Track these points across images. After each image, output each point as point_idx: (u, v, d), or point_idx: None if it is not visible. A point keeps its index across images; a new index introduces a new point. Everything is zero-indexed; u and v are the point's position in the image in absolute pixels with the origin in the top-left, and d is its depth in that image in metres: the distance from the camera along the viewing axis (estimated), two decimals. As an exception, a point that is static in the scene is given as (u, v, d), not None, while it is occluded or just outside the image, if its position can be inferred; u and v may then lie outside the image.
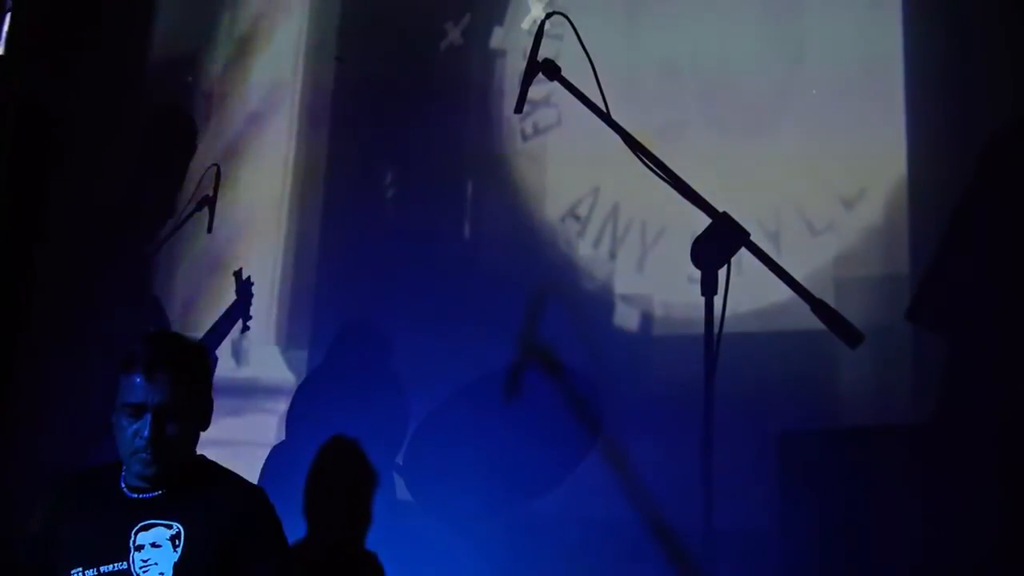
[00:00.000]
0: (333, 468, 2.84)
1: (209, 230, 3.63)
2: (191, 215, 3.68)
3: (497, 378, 2.58)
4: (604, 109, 2.23)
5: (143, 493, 2.26)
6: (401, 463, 2.76)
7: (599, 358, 2.48)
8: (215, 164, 3.63)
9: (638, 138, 2.15)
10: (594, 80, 2.22)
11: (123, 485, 2.28)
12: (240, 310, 3.22)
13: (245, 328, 3.21)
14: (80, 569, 2.20)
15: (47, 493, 2.40)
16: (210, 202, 3.72)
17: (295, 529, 2.46)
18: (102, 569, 2.20)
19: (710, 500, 1.93)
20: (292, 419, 3.11)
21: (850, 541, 2.09)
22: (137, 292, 3.74)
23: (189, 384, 2.25)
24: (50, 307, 3.81)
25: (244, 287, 3.25)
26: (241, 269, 3.28)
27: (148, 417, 2.17)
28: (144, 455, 2.19)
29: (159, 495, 2.27)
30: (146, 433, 2.17)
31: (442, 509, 2.68)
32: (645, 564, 2.31)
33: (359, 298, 2.97)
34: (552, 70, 2.33)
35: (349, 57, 3.25)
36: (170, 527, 2.24)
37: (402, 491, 2.75)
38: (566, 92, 2.25)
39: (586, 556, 2.40)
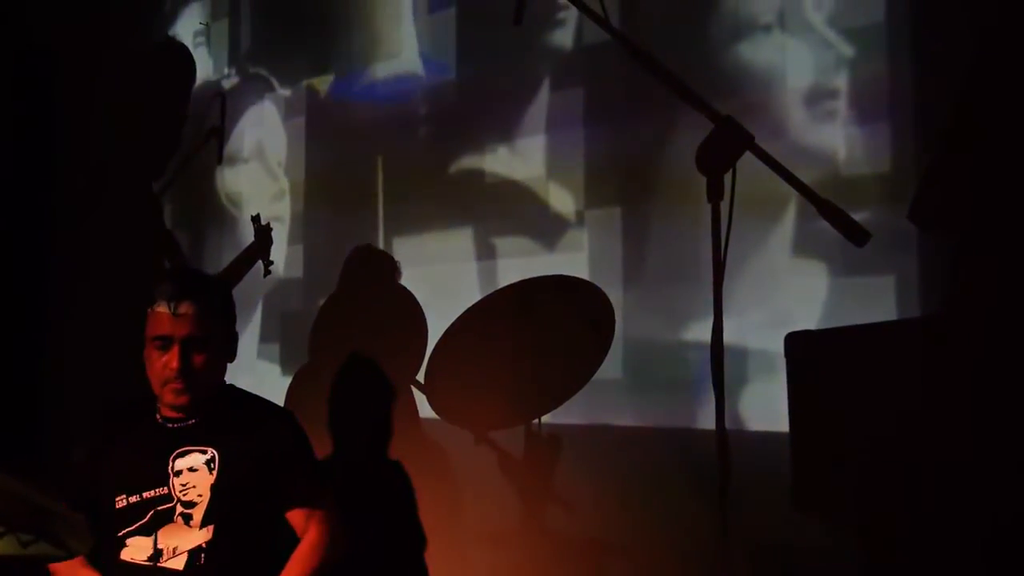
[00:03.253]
0: (356, 388, 2.94)
1: (219, 161, 3.66)
2: (200, 147, 3.71)
3: (510, 295, 2.64)
4: (603, 15, 2.23)
5: (177, 422, 2.36)
6: (422, 380, 2.84)
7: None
8: (220, 93, 3.63)
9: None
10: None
11: (158, 415, 2.39)
12: (259, 253, 3.22)
13: (267, 272, 3.21)
14: (124, 495, 2.32)
15: (88, 426, 2.51)
16: (218, 132, 3.75)
17: (321, 447, 2.56)
18: (144, 495, 2.32)
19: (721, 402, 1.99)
20: (314, 343, 3.19)
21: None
22: (151, 227, 3.79)
23: (213, 316, 2.33)
24: (72, 243, 3.87)
25: (263, 231, 3.21)
26: (259, 214, 3.24)
27: (176, 349, 2.26)
28: (174, 384, 2.28)
29: (193, 423, 2.36)
30: (175, 364, 2.25)
31: (464, 421, 2.78)
32: (657, 469, 2.40)
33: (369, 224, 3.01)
34: None
35: None
36: (205, 452, 2.34)
37: (425, 408, 2.84)
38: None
39: (601, 462, 2.50)
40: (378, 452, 2.89)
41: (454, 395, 2.80)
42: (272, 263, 3.18)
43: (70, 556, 2.04)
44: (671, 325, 2.37)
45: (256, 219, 3.19)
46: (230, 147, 3.55)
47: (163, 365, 2.29)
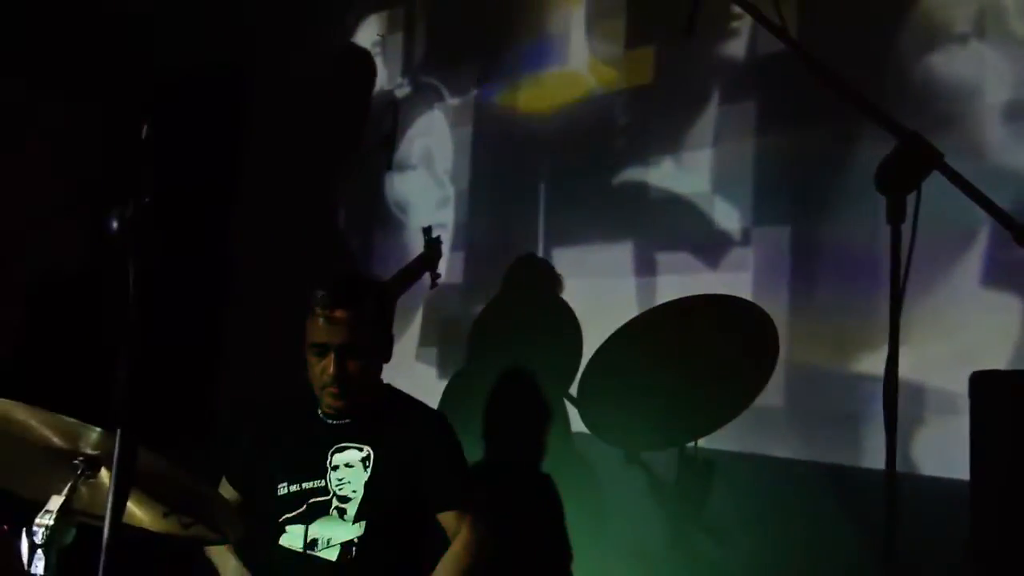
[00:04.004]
0: (510, 397, 2.95)
1: (388, 167, 3.78)
2: (371, 153, 3.85)
3: (669, 312, 2.57)
4: (780, 24, 2.15)
5: (336, 419, 2.44)
6: (575, 394, 2.81)
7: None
8: (392, 102, 3.74)
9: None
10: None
11: (319, 412, 2.47)
12: (428, 265, 3.22)
13: (434, 284, 3.26)
14: (285, 484, 2.42)
15: (254, 416, 2.64)
16: (389, 140, 3.88)
17: (472, 451, 2.57)
18: (303, 485, 2.41)
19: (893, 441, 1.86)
20: (471, 348, 3.23)
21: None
22: (325, 229, 3.96)
23: (368, 322, 2.39)
24: (253, 247, 4.11)
25: (433, 244, 3.24)
26: (431, 227, 3.27)
27: (332, 356, 2.33)
28: (331, 389, 2.36)
29: (351, 421, 2.44)
30: (331, 370, 2.33)
31: (613, 439, 2.72)
32: (821, 501, 2.27)
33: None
34: None
35: None
36: (361, 449, 2.41)
37: (576, 423, 2.80)
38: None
39: (757, 493, 2.39)
40: (528, 463, 2.89)
41: (607, 412, 2.76)
42: (439, 276, 3.22)
43: (224, 541, 2.14)
44: (840, 354, 2.23)
45: (427, 231, 3.24)
46: (399, 154, 3.66)
47: (321, 370, 2.37)
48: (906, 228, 1.86)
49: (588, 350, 2.78)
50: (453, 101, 3.36)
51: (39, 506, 1.71)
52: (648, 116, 2.64)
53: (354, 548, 2.36)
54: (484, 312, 3.18)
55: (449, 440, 2.47)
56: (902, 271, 1.85)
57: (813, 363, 2.32)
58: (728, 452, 2.44)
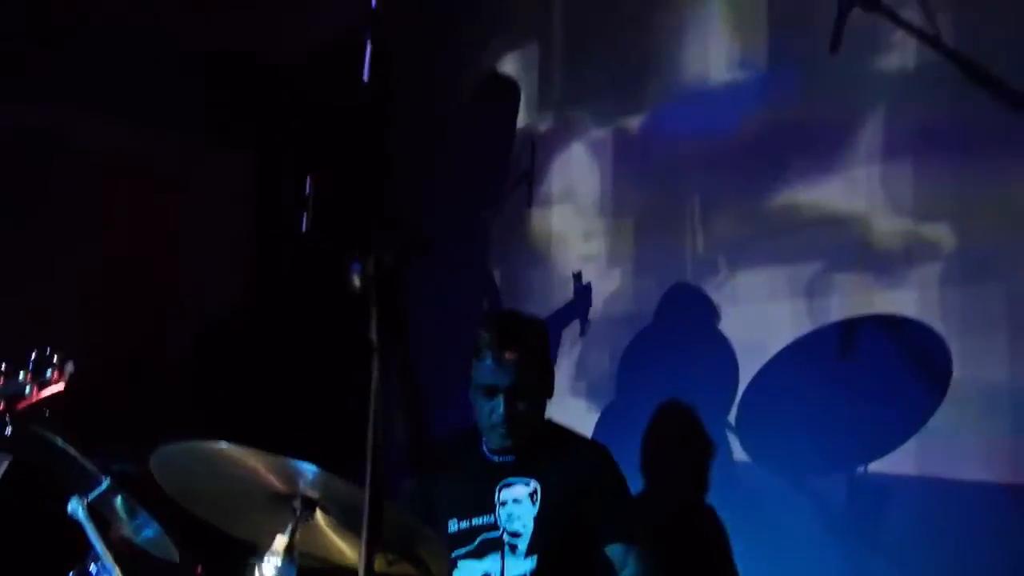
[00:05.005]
0: (668, 428, 2.95)
1: (528, 204, 3.86)
2: (512, 190, 3.93)
3: (830, 335, 2.53)
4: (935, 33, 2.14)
5: (502, 456, 2.51)
6: (734, 422, 2.79)
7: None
8: (530, 137, 3.81)
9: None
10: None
11: (484, 449, 2.55)
12: (577, 313, 3.26)
13: (583, 332, 3.28)
14: (455, 520, 2.50)
15: (421, 456, 2.74)
16: (528, 176, 3.95)
17: (632, 484, 2.59)
18: (474, 521, 2.49)
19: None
20: (622, 380, 3.25)
21: None
22: (473, 265, 4.06)
23: (534, 362, 2.45)
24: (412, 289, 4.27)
25: (583, 291, 3.27)
26: (580, 272, 3.30)
27: (501, 397, 2.40)
28: (501, 430, 2.43)
29: (516, 457, 2.51)
30: (501, 410, 2.40)
31: (778, 466, 2.69)
32: (999, 528, 2.18)
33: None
34: (871, 2, 2.26)
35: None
36: (528, 484, 2.47)
37: (738, 451, 2.78)
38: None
39: (931, 519, 2.31)
40: (691, 494, 2.88)
41: (768, 438, 2.73)
42: (589, 323, 3.25)
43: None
44: (1017, 371, 2.15)
45: (577, 277, 3.28)
46: (542, 189, 3.73)
47: (490, 411, 2.45)
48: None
49: (745, 377, 2.77)
50: (598, 133, 3.40)
51: (236, 544, 1.84)
52: (801, 136, 2.61)
53: (529, 584, 2.42)
54: (635, 342, 3.19)
55: (613, 473, 2.51)
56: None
57: (986, 379, 2.23)
58: (902, 476, 2.36)
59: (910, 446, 2.34)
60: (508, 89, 3.91)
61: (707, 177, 2.88)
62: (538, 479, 2.45)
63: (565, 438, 2.56)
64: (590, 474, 2.47)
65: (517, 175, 3.85)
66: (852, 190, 2.47)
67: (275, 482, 1.62)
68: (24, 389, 2.08)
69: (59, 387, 2.11)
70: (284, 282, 5.06)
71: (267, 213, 5.31)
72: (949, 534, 2.25)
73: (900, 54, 2.36)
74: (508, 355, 2.40)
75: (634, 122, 3.24)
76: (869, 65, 2.44)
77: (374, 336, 1.11)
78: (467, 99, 4.15)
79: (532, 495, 2.47)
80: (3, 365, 2.12)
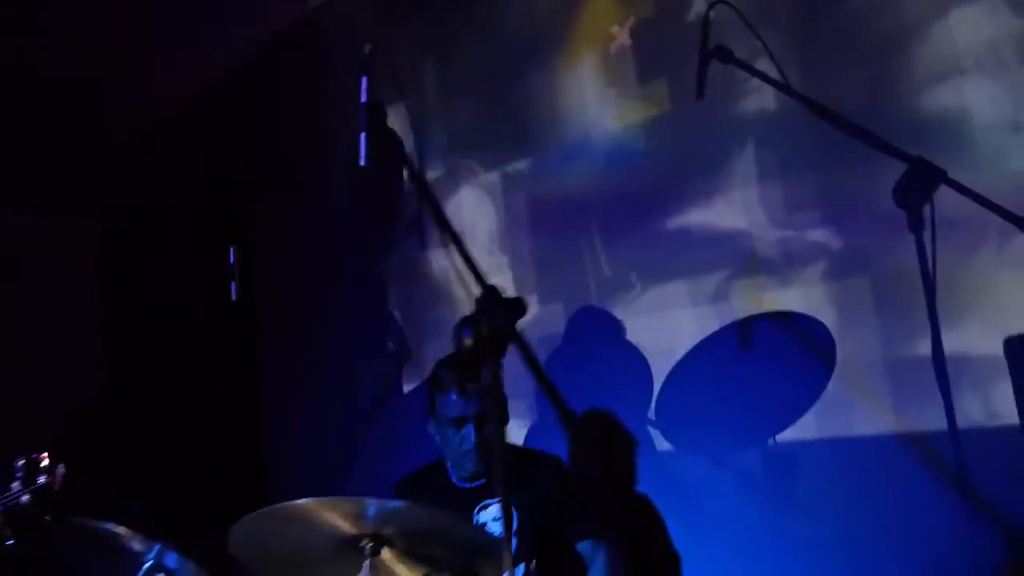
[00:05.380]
0: (594, 433, 3.31)
1: (422, 247, 4.12)
2: (406, 232, 4.17)
3: (730, 333, 2.98)
4: (783, 81, 2.56)
5: (472, 482, 2.78)
6: (654, 418, 3.20)
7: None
8: (420, 181, 4.06)
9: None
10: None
11: (453, 479, 2.81)
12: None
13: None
14: (444, 549, 2.75)
15: (393, 494, 2.94)
16: (419, 221, 4.21)
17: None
18: (460, 547, 2.74)
19: (950, 403, 2.28)
20: (542, 397, 3.57)
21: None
22: (371, 308, 4.27)
23: (494, 391, 2.74)
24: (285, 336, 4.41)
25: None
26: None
27: (470, 427, 2.67)
28: (472, 456, 2.70)
29: (484, 481, 2.78)
30: (472, 439, 2.67)
31: (699, 449, 3.11)
32: (891, 470, 2.67)
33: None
34: (725, 55, 2.61)
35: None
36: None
37: (660, 442, 3.19)
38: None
39: (835, 474, 2.77)
40: (625, 487, 3.26)
41: (686, 427, 3.15)
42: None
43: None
44: (888, 342, 2.66)
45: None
46: (434, 233, 4.01)
47: (460, 440, 2.70)
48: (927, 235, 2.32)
49: (660, 377, 3.17)
50: (487, 176, 3.73)
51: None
52: (682, 170, 3.05)
53: (524, 584, 2.70)
54: (550, 361, 3.53)
55: (571, 481, 2.83)
56: (930, 268, 2.31)
57: (864, 353, 2.72)
58: (805, 441, 2.84)
59: (810, 416, 2.82)
60: (390, 141, 4.17)
61: (603, 208, 3.28)
62: (513, 497, 2.73)
63: (526, 457, 2.86)
64: (554, 485, 2.78)
65: (407, 222, 4.12)
66: (734, 211, 2.93)
67: (345, 526, 1.82)
68: (22, 498, 2.13)
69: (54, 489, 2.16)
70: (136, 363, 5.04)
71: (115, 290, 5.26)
72: (852, 484, 2.73)
73: (759, 97, 2.85)
74: (471, 387, 2.67)
75: (521, 165, 3.60)
76: (734, 107, 2.92)
77: (485, 382, 1.39)
78: (346, 155, 4.38)
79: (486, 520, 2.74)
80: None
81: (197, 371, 4.75)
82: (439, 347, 3.81)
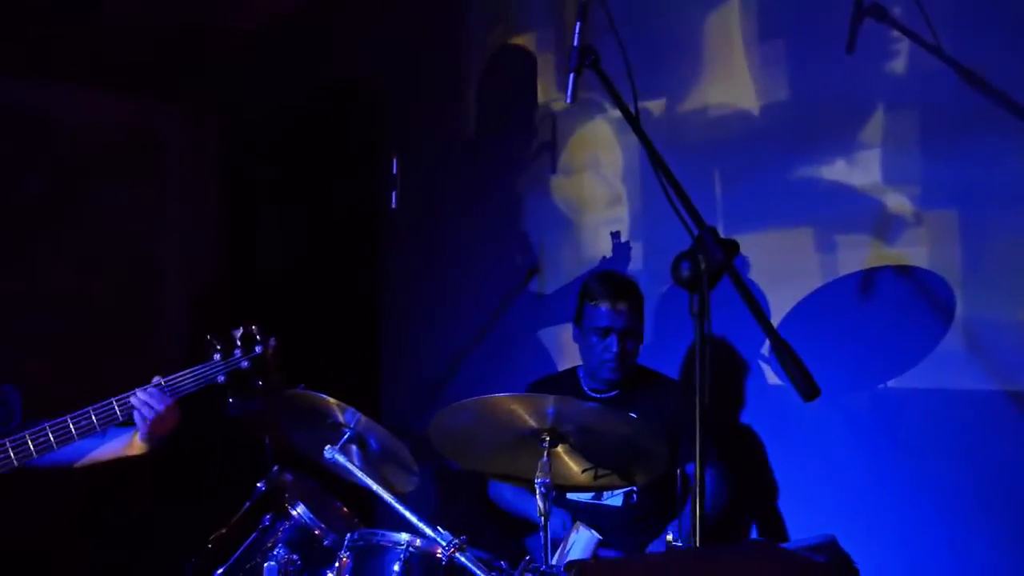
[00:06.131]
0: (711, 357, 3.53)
1: (553, 171, 4.31)
2: (535, 157, 4.36)
3: (854, 280, 3.16)
4: (634, 113, 2.36)
5: (602, 393, 3.05)
6: (767, 353, 3.40)
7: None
8: (550, 112, 4.23)
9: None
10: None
11: (585, 388, 3.08)
12: (618, 268, 3.70)
13: None
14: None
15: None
16: (550, 146, 4.39)
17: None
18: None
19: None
20: (660, 326, 3.79)
21: None
22: (505, 226, 4.47)
23: (639, 311, 3.00)
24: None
25: (621, 248, 3.76)
26: (619, 231, 3.80)
27: (614, 338, 2.94)
28: (612, 365, 2.97)
29: (615, 394, 3.05)
30: (615, 349, 2.94)
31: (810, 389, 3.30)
32: (1002, 432, 2.81)
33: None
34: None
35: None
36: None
37: (771, 376, 3.40)
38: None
39: (945, 425, 2.93)
40: (732, 415, 3.50)
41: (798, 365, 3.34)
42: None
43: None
44: (1015, 309, 2.81)
45: (616, 236, 3.78)
46: (564, 161, 4.21)
47: (603, 349, 2.98)
48: None
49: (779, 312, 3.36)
50: (615, 112, 3.88)
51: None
52: (815, 125, 3.19)
53: (635, 495, 2.99)
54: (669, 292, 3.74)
55: (690, 404, 3.08)
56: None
57: (987, 316, 2.87)
58: (916, 389, 3.02)
59: (924, 365, 2.99)
60: (524, 61, 4.34)
61: (731, 155, 3.44)
62: (637, 412, 3.00)
63: (652, 377, 3.13)
64: (675, 406, 3.04)
65: (539, 145, 4.31)
66: (865, 167, 3.08)
67: (529, 421, 2.09)
68: (242, 364, 2.43)
69: (267, 358, 2.45)
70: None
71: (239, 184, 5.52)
72: (955, 436, 2.91)
73: (903, 58, 2.96)
74: (622, 304, 2.93)
75: (656, 107, 3.75)
76: (879, 66, 3.03)
77: (695, 311, 1.62)
78: (483, 74, 4.57)
79: (640, 423, 3.00)
80: (217, 344, 2.45)
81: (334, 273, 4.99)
82: (567, 268, 4.06)
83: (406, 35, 4.85)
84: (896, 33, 2.99)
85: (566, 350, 3.91)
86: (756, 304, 1.77)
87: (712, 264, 1.76)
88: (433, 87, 4.79)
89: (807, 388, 1.69)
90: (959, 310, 2.92)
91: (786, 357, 1.72)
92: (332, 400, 2.38)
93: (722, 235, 3.46)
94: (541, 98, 4.33)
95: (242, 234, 5.48)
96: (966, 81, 2.84)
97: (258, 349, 2.46)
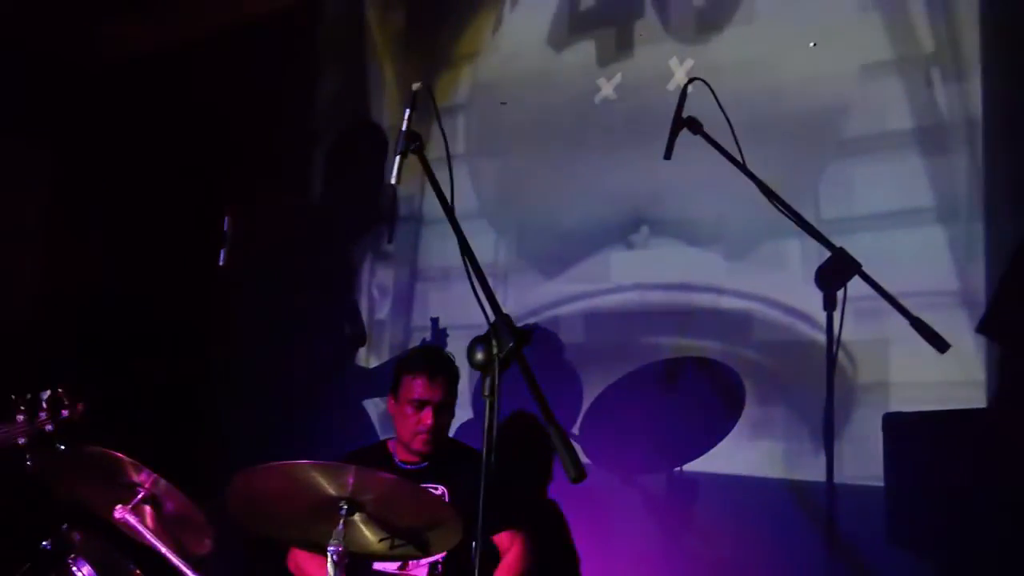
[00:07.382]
0: (519, 435, 3.65)
1: (389, 241, 4.39)
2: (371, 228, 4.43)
3: (658, 368, 3.38)
4: (740, 160, 2.84)
5: (413, 465, 3.10)
6: (578, 432, 3.56)
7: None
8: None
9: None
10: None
11: (396, 460, 3.12)
12: None
13: None
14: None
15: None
16: (389, 217, 4.47)
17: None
18: (397, 525, 3.04)
19: (831, 460, 2.71)
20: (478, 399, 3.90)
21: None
22: (336, 294, 4.48)
23: (454, 387, 3.08)
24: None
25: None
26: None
27: (429, 410, 3.00)
28: (425, 437, 3.02)
29: (426, 466, 3.10)
30: (428, 423, 2.99)
31: (614, 467, 3.49)
32: (775, 513, 3.07)
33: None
34: (695, 126, 2.86)
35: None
36: (437, 488, 3.07)
37: (580, 454, 3.54)
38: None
39: (727, 507, 3.18)
40: (540, 489, 3.61)
41: (605, 444, 3.52)
42: None
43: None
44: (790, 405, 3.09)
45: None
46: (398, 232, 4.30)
47: (416, 422, 3.02)
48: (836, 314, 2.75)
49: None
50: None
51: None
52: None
53: (440, 565, 3.03)
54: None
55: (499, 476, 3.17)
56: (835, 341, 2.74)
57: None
58: (709, 473, 3.25)
59: (716, 452, 3.23)
60: (376, 137, 4.45)
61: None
62: (445, 483, 3.06)
63: (462, 449, 3.20)
64: (480, 477, 3.11)
65: (378, 217, 4.40)
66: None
67: (328, 489, 2.11)
68: (47, 428, 2.37)
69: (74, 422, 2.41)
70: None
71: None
72: (743, 518, 3.14)
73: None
74: (440, 378, 3.00)
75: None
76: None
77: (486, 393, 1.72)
78: (334, 142, 4.66)
79: (442, 496, 3.07)
80: (22, 406, 2.39)
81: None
82: (395, 335, 4.12)
83: (265, 93, 4.85)
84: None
85: (389, 421, 3.95)
86: (537, 388, 1.88)
87: (503, 350, 1.87)
88: (285, 146, 4.80)
89: (574, 471, 1.80)
90: (751, 403, 3.19)
91: (558, 440, 1.82)
92: (126, 459, 2.34)
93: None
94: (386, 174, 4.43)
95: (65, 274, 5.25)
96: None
97: (64, 413, 2.41)
